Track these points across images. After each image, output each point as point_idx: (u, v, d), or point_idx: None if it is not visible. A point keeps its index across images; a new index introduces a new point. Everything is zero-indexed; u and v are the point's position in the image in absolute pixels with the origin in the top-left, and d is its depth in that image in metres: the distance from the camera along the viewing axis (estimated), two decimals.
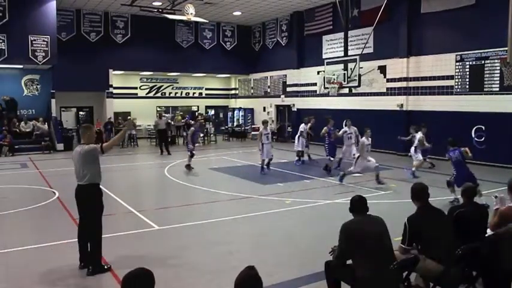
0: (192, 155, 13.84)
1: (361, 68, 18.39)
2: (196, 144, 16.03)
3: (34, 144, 18.94)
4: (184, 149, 16.12)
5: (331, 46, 20.76)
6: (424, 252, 4.13)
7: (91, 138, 5.67)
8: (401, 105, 17.23)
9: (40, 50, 18.80)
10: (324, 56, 20.98)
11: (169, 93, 27.05)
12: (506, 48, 12.86)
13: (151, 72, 24.94)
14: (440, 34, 15.95)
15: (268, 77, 25.36)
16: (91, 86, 21.94)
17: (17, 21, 18.18)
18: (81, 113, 24.73)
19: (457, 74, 15.39)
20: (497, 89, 14.22)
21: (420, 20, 16.48)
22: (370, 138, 11.22)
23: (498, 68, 14.17)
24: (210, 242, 6.79)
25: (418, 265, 3.99)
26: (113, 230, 6.90)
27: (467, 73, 15.05)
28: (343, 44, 18.56)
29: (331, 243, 4.33)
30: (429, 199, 4.34)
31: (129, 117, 20.62)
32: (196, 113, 26.39)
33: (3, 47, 18.07)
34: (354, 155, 13.31)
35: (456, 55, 15.34)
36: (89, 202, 5.54)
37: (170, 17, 18.45)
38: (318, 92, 21.72)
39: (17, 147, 18.42)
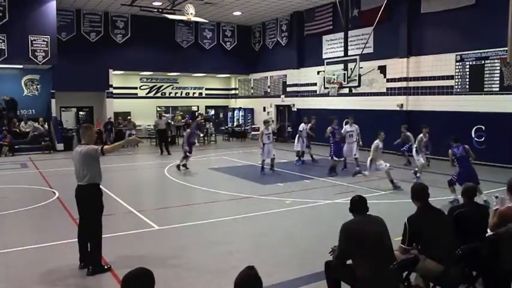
0: (185, 156, 13.78)
1: (361, 68, 18.38)
2: (197, 144, 16.04)
3: (33, 144, 18.94)
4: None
5: (331, 46, 20.76)
6: (424, 252, 4.13)
7: (91, 138, 5.67)
8: (401, 105, 17.23)
9: (40, 50, 18.81)
10: (324, 56, 20.98)
11: (169, 93, 27.06)
12: (506, 48, 12.86)
13: (151, 72, 24.95)
14: (440, 34, 15.95)
15: (268, 77, 25.37)
16: (91, 86, 21.94)
17: (17, 21, 18.18)
18: (81, 113, 24.73)
19: (457, 74, 15.40)
20: (497, 89, 14.22)
21: (420, 20, 16.48)
22: (382, 142, 10.91)
23: (498, 68, 14.17)
24: (210, 242, 6.79)
25: (418, 265, 3.99)
26: (113, 230, 6.90)
27: (467, 73, 15.06)
28: (343, 44, 18.56)
29: (331, 243, 4.33)
30: (429, 199, 4.34)
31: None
32: (196, 113, 26.40)
33: (3, 47, 18.07)
34: (355, 154, 13.33)
35: (456, 55, 15.34)
36: (89, 202, 5.53)
37: (170, 17, 18.45)
38: (318, 92, 21.72)
39: (17, 147, 18.42)
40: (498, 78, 14.20)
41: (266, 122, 13.47)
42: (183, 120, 23.73)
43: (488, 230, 4.55)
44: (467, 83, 15.09)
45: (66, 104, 23.33)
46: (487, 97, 14.47)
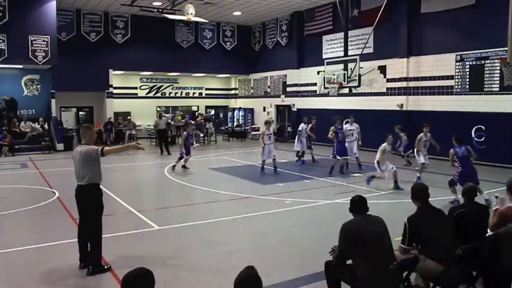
0: (180, 158, 13.77)
1: (361, 68, 18.40)
2: (195, 146, 16.00)
3: (32, 145, 18.93)
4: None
5: (331, 46, 20.76)
6: (424, 252, 4.13)
7: (92, 138, 5.67)
8: (401, 105, 17.23)
9: (40, 50, 18.81)
10: (324, 56, 20.98)
11: (169, 93, 27.06)
12: (506, 48, 12.87)
13: (151, 72, 24.95)
14: (440, 34, 15.95)
15: (268, 77, 25.37)
16: (91, 86, 21.96)
17: (17, 21, 18.18)
18: (81, 113, 24.75)
19: (457, 74, 15.40)
20: (497, 89, 14.22)
21: (420, 20, 16.48)
22: (390, 145, 10.86)
23: (498, 68, 14.17)
24: (210, 242, 6.79)
25: (418, 265, 3.99)
26: (113, 230, 6.90)
27: (467, 73, 15.06)
28: (343, 44, 18.57)
29: (331, 243, 4.33)
30: (429, 199, 4.34)
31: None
32: (196, 113, 26.40)
33: (3, 47, 18.07)
34: (355, 153, 13.30)
35: (456, 55, 15.34)
36: (89, 202, 5.53)
37: (170, 17, 18.45)
38: (318, 92, 21.72)
39: (17, 147, 18.42)
40: (498, 78, 14.20)
41: (267, 123, 13.43)
42: (183, 120, 23.70)
43: (488, 230, 4.56)
44: (467, 83, 15.09)
45: (66, 104, 23.33)
46: (487, 97, 14.47)
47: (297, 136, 15.11)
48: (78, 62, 20.89)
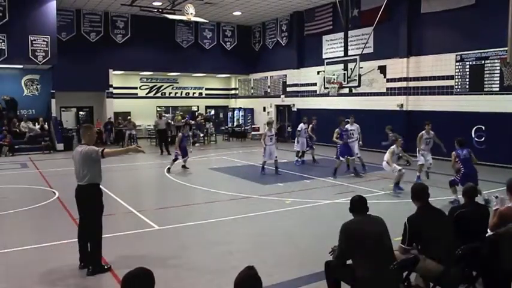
0: (175, 159, 13.75)
1: (361, 68, 18.40)
2: (196, 144, 16.00)
3: (32, 145, 18.92)
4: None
5: (331, 46, 20.76)
6: (424, 252, 4.13)
7: (92, 138, 5.66)
8: (402, 105, 17.23)
9: (40, 50, 18.81)
10: (324, 56, 20.99)
11: (169, 93, 27.05)
12: (506, 48, 12.88)
13: (151, 72, 24.95)
14: (440, 34, 15.95)
15: (268, 77, 25.37)
16: (91, 86, 21.95)
17: (17, 21, 18.18)
18: (81, 113, 24.74)
19: (457, 74, 15.40)
20: (497, 89, 14.22)
21: (420, 20, 16.48)
22: (399, 148, 10.69)
23: (498, 68, 14.17)
24: (210, 242, 6.79)
25: (418, 265, 3.99)
26: (113, 230, 6.90)
27: (467, 73, 15.05)
28: (343, 44, 18.58)
29: (331, 243, 4.33)
30: (429, 199, 4.34)
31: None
32: (197, 113, 26.39)
33: (3, 47, 18.07)
34: (357, 153, 13.25)
35: (456, 55, 15.34)
36: (89, 202, 5.53)
37: (170, 17, 18.45)
38: (318, 92, 21.72)
39: (17, 147, 18.41)
40: (498, 78, 14.19)
41: (269, 124, 13.40)
42: (183, 120, 23.67)
43: (488, 230, 4.56)
44: (467, 83, 15.09)
45: (66, 104, 23.33)
46: (487, 97, 14.46)
47: (296, 136, 15.09)
48: (78, 62, 20.89)
